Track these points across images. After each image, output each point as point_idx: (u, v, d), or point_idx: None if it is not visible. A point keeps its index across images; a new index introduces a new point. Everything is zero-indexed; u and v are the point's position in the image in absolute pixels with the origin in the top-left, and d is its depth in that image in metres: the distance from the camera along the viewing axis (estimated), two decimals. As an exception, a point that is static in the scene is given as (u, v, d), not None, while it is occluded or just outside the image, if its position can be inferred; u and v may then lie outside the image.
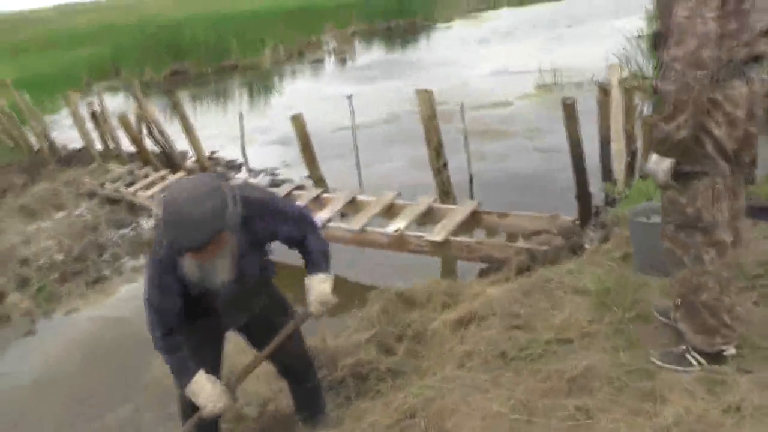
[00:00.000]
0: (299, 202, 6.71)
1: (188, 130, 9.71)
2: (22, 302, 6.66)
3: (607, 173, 6.65)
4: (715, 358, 3.05)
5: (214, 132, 12.71)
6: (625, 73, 8.76)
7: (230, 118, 11.51)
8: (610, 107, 6.38)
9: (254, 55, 20.89)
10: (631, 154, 6.62)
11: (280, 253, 3.27)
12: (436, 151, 6.82)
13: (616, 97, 6.27)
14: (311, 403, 3.64)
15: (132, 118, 10.36)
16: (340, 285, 6.03)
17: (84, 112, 11.81)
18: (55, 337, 6.05)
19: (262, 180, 9.48)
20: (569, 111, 5.86)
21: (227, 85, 18.94)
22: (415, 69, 16.98)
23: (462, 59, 17.05)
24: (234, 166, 10.67)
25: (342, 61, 20.89)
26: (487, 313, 3.75)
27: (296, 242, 3.04)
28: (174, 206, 2.49)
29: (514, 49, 16.99)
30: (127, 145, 10.88)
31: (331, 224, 6.42)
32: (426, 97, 6.70)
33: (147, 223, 8.73)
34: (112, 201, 9.46)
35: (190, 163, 10.35)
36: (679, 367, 3.07)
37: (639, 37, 11.40)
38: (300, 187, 7.88)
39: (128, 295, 6.61)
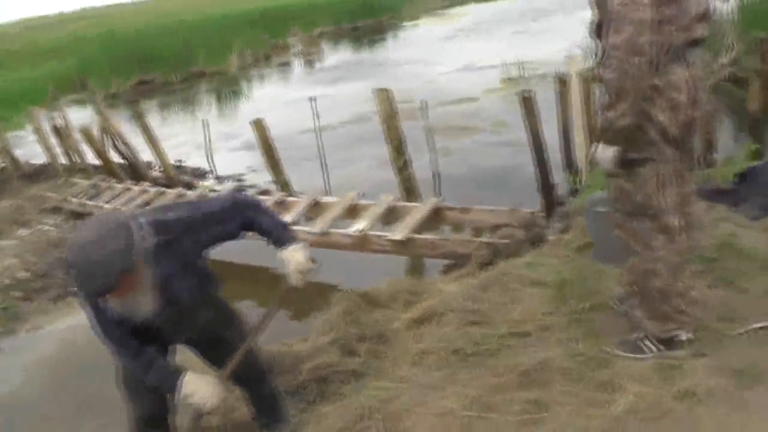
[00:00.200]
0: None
1: (152, 141, 9.62)
2: (-15, 322, 6.55)
3: (569, 164, 6.65)
4: (671, 343, 3.04)
5: (181, 140, 12.63)
6: (590, 64, 8.78)
7: (197, 125, 11.42)
8: (570, 98, 6.38)
9: (221, 61, 20.78)
10: (593, 143, 6.61)
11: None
12: (397, 149, 6.79)
13: (575, 88, 6.26)
14: (270, 410, 3.57)
15: (95, 131, 10.24)
16: (305, 288, 6.01)
17: (47, 126, 11.66)
18: (20, 356, 5.95)
19: (228, 186, 9.37)
20: (528, 104, 5.87)
21: (194, 92, 18.83)
22: (381, 68, 16.96)
23: (428, 57, 17.05)
24: (200, 174, 10.57)
25: (309, 64, 20.83)
26: (445, 310, 3.72)
27: (248, 229, 2.97)
28: (77, 251, 2.40)
29: (480, 45, 17.04)
30: (92, 158, 10.75)
31: (295, 227, 6.35)
32: (385, 97, 6.67)
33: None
34: (77, 215, 9.33)
35: (155, 173, 10.24)
36: (635, 355, 3.05)
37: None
38: (264, 192, 7.83)
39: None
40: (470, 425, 2.67)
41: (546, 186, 6.16)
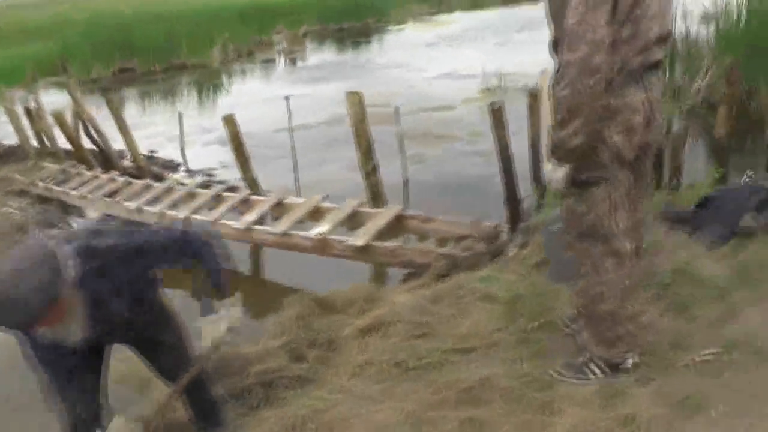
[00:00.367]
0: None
1: (123, 129, 9.49)
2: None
3: (536, 178, 6.63)
4: (616, 368, 3.01)
5: (157, 131, 12.50)
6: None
7: (175, 117, 11.31)
8: (539, 112, 6.35)
9: (203, 54, 20.60)
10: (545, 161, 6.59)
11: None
12: (366, 154, 6.74)
13: (545, 102, 6.23)
14: (207, 415, 3.50)
15: (69, 116, 10.10)
16: (263, 288, 5.96)
17: (21, 108, 11.48)
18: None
19: (198, 180, 9.26)
20: (497, 116, 5.83)
21: (175, 83, 18.66)
22: (364, 71, 16.90)
23: (411, 62, 17.01)
24: (171, 166, 10.46)
25: (292, 62, 20.71)
26: (393, 320, 3.68)
27: (187, 265, 2.92)
28: None
29: (463, 53, 17.00)
30: (64, 143, 10.60)
31: (256, 227, 6.29)
32: (356, 100, 6.61)
33: (78, 224, 8.51)
34: (44, 200, 9.21)
35: (127, 162, 10.11)
36: (579, 378, 3.02)
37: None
38: (232, 189, 7.74)
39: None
40: (402, 441, 2.62)
41: (512, 199, 6.12)
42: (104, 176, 9.14)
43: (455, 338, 3.35)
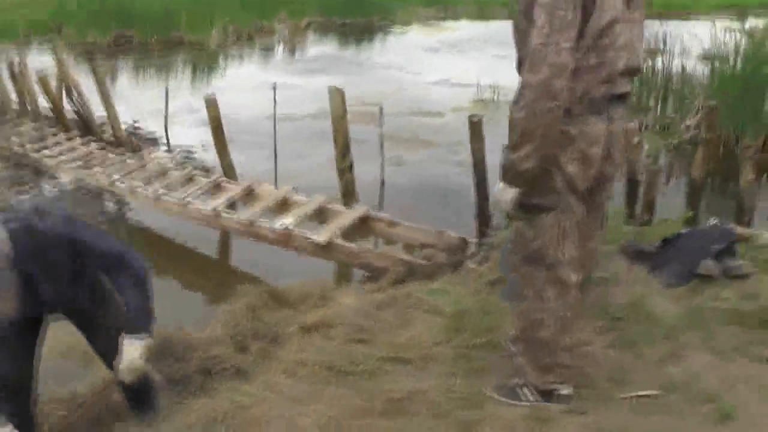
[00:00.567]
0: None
1: (106, 98, 9.38)
2: None
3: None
4: (549, 395, 2.97)
5: (146, 104, 12.36)
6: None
7: (160, 93, 11.19)
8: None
9: (202, 32, 20.41)
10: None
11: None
12: (342, 151, 6.69)
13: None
14: (140, 399, 3.45)
15: (53, 79, 10.00)
16: (224, 273, 5.89)
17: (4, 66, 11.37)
18: None
19: (174, 158, 9.17)
20: (476, 129, 5.79)
21: (170, 59, 18.50)
22: (361, 68, 16.82)
23: (409, 65, 16.94)
24: (152, 141, 10.37)
25: (291, 52, 20.58)
26: (336, 322, 3.63)
27: (116, 287, 2.86)
28: None
29: (462, 62, 16.93)
30: (45, 106, 10.49)
31: (222, 212, 6.23)
32: (338, 96, 6.55)
33: (48, 188, 8.42)
34: (18, 160, 9.09)
35: (107, 132, 9.99)
36: (510, 401, 2.98)
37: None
38: (207, 171, 7.69)
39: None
40: (319, 447, 2.58)
41: (482, 213, 6.08)
42: (81, 143, 9.06)
43: (394, 347, 3.31)
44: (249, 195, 6.65)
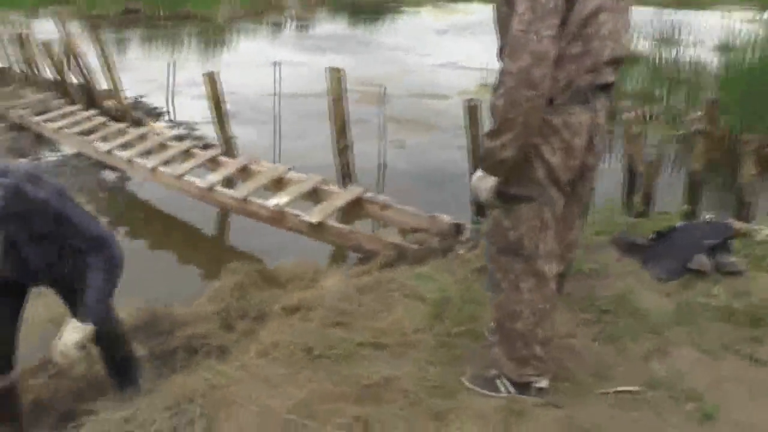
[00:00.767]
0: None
1: (109, 70, 9.36)
2: None
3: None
4: (526, 388, 2.93)
5: (151, 77, 12.31)
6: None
7: (165, 67, 11.15)
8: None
9: (210, 6, 20.34)
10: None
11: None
12: (340, 132, 6.64)
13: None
14: (119, 373, 3.46)
15: (58, 47, 9.99)
16: (217, 249, 5.88)
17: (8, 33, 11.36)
18: None
19: (174, 132, 9.13)
20: (472, 113, 5.73)
21: (178, 33, 18.46)
22: (369, 48, 16.75)
23: (417, 46, 16.85)
24: (154, 114, 10.34)
25: (300, 29, 20.50)
26: (316, 304, 3.60)
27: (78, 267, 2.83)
28: None
29: (470, 45, 16.80)
30: (49, 74, 10.49)
31: (217, 188, 6.20)
32: (336, 76, 6.50)
33: (49, 156, 8.43)
34: (19, 128, 9.09)
35: (110, 103, 9.97)
36: (486, 391, 2.94)
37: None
38: (206, 146, 7.66)
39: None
40: (286, 429, 2.55)
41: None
42: (83, 113, 9.06)
43: (373, 332, 3.26)
44: (246, 172, 6.63)
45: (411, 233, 5.44)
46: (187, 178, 6.49)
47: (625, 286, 4.00)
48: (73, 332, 2.73)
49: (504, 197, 2.64)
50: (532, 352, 2.84)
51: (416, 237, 5.12)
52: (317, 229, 5.42)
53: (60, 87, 10.09)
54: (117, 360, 3.44)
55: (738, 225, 4.73)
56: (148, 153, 7.36)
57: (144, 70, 12.97)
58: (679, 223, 4.76)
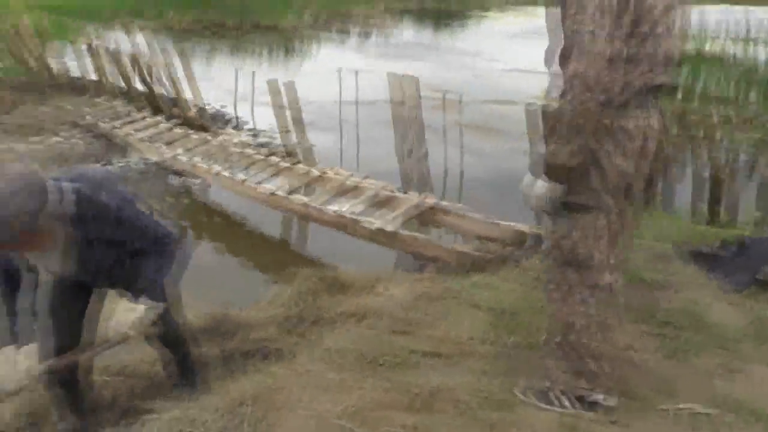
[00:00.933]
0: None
1: (190, 80, 9.69)
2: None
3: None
4: (584, 402, 2.85)
5: (218, 85, 12.54)
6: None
7: (240, 75, 11.28)
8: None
9: (279, 16, 20.56)
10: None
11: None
12: (403, 139, 6.62)
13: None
14: (180, 372, 3.53)
15: (133, 60, 10.28)
16: (281, 253, 5.93)
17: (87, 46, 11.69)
18: None
19: (259, 140, 9.29)
20: (531, 118, 5.66)
21: (247, 42, 18.73)
22: (439, 53, 16.70)
23: (486, 51, 16.73)
24: (222, 120, 10.53)
25: (368, 36, 20.59)
26: (378, 312, 3.60)
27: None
28: None
29: (540, 50, 16.62)
30: (121, 83, 10.79)
31: (281, 194, 6.29)
32: (397, 84, 6.49)
33: (119, 162, 8.67)
34: (93, 135, 9.36)
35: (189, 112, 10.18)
36: (542, 404, 2.88)
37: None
38: (272, 152, 7.78)
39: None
40: (335, 435, 2.55)
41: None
42: (152, 121, 9.31)
43: (431, 341, 3.24)
44: (313, 178, 6.71)
45: (481, 241, 5.39)
46: (249, 182, 6.61)
47: (690, 296, 3.88)
48: (150, 313, 2.80)
49: (562, 206, 2.58)
50: (585, 365, 2.77)
51: (482, 245, 5.06)
52: (380, 235, 5.42)
53: (129, 95, 10.42)
54: (177, 360, 3.51)
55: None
56: (213, 158, 7.51)
57: (211, 80, 13.20)
58: (750, 233, 4.60)
